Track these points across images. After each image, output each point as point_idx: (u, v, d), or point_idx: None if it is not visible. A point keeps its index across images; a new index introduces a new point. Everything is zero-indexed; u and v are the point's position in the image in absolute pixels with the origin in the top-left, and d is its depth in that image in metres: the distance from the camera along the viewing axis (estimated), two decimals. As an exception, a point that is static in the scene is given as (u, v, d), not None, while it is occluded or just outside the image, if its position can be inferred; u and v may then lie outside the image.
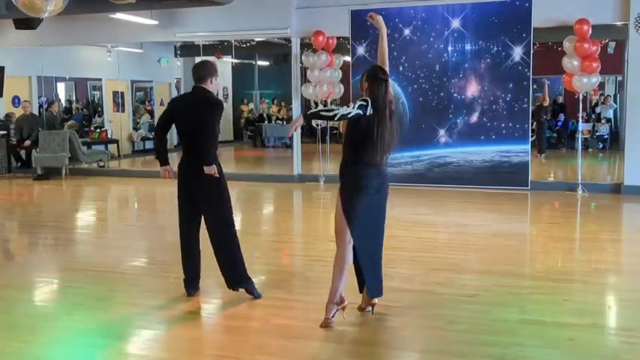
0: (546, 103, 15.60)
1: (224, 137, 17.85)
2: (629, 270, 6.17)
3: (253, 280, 5.12)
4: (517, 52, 10.62)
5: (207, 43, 15.77)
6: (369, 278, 4.55)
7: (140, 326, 4.67)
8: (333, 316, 4.42)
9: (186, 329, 4.59)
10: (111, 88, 17.52)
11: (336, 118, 4.20)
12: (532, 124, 12.80)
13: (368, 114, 4.23)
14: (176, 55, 18.64)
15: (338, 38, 11.89)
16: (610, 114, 18.42)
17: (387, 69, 4.55)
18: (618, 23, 10.98)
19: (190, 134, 4.99)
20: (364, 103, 4.24)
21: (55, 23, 12.12)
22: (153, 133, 18.34)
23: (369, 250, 4.50)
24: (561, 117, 18.10)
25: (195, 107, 5.00)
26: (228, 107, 20.93)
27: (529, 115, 11.04)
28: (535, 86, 13.90)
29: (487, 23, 10.79)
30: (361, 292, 4.70)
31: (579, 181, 10.45)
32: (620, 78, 18.52)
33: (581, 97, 10.77)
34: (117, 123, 17.36)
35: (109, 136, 16.78)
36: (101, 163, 14.41)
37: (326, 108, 4.10)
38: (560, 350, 4.08)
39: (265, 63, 21.50)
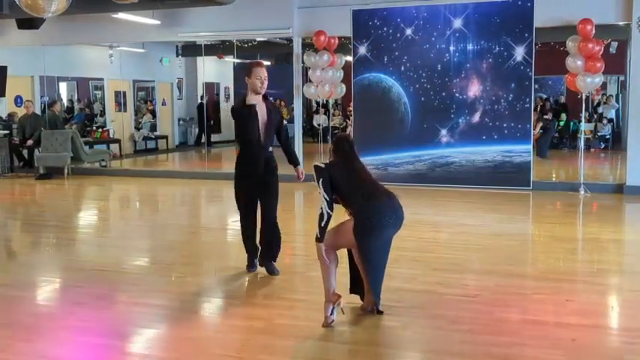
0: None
1: (226, 137, 17.86)
2: (631, 270, 6.16)
3: (253, 279, 5.10)
4: (519, 52, 10.61)
5: (208, 43, 15.75)
6: (376, 295, 4.62)
7: (143, 325, 4.68)
8: (331, 314, 4.45)
9: (189, 329, 4.58)
10: (113, 88, 17.53)
11: (325, 210, 4.36)
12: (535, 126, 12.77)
13: (330, 169, 4.46)
14: (178, 55, 18.65)
15: (340, 38, 11.89)
16: (612, 114, 18.41)
17: None
18: (621, 23, 10.97)
19: None
20: (318, 172, 4.44)
21: (57, 23, 12.13)
22: (154, 133, 18.50)
23: (379, 272, 4.55)
24: (563, 117, 18.09)
25: None
26: (229, 107, 20.94)
27: (531, 114, 11.02)
28: (537, 86, 13.88)
29: (489, 23, 10.79)
30: (351, 292, 4.80)
31: (581, 181, 10.44)
32: (622, 78, 18.49)
33: (583, 97, 10.76)
34: (119, 123, 17.37)
35: (111, 136, 16.79)
36: (103, 163, 14.43)
37: (319, 219, 4.41)
38: (562, 350, 4.07)
39: (267, 63, 21.48)
